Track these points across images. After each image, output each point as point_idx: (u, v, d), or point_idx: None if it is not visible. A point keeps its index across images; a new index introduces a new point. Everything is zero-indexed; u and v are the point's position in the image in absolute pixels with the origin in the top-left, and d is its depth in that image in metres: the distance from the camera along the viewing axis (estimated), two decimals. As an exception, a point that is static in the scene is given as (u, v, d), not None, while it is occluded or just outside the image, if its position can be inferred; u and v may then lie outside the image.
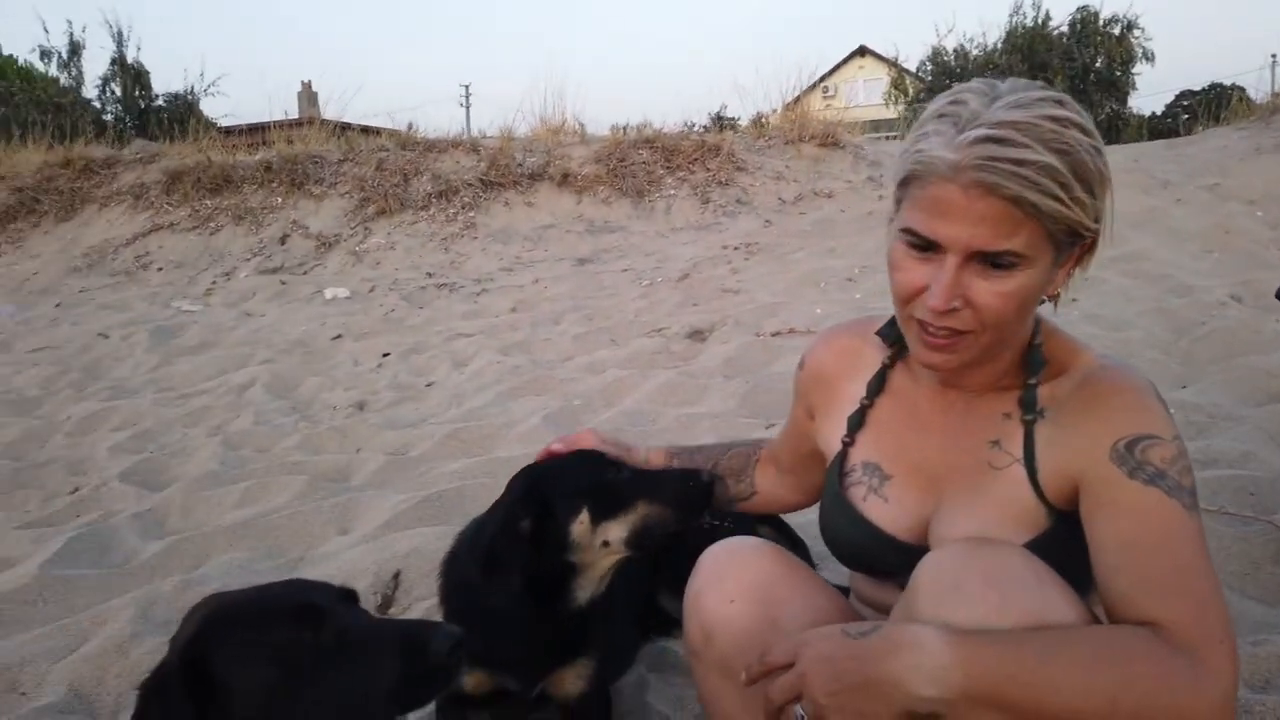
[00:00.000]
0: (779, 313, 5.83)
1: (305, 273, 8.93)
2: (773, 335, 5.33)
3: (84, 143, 12.32)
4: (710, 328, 5.65)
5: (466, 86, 46.70)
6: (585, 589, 1.80)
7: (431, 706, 2.01)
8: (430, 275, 8.51)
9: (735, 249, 8.28)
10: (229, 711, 1.13)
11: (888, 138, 15.51)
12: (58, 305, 8.31)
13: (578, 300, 7.00)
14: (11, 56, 19.06)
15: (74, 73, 16.86)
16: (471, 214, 9.80)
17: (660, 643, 2.30)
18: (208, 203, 10.23)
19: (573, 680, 1.86)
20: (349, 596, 1.27)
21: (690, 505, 1.77)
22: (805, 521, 2.49)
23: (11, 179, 10.98)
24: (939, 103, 1.25)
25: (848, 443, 1.54)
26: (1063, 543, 1.27)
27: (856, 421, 1.54)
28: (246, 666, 1.14)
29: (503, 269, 8.64)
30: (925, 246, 1.23)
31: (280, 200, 10.16)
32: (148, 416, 4.73)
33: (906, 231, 1.25)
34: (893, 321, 1.52)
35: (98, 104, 16.92)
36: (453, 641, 1.15)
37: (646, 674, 2.17)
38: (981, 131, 1.15)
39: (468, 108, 43.47)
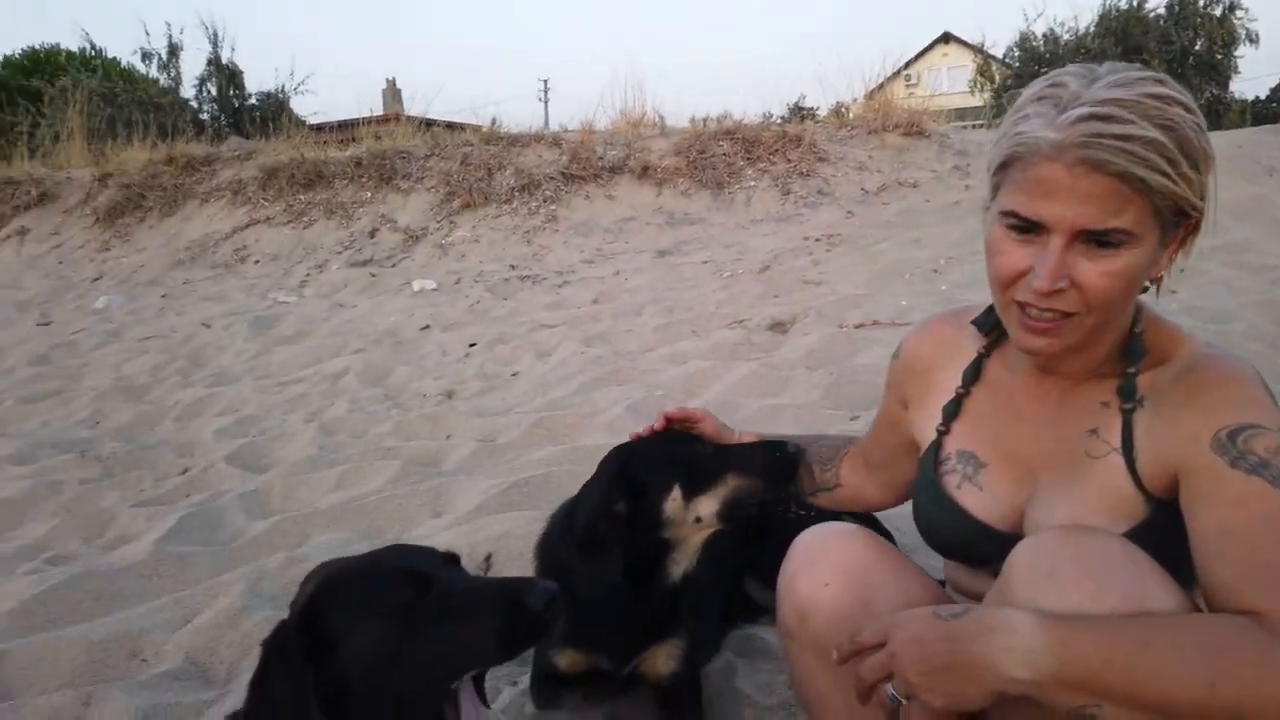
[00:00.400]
0: (862, 304, 5.77)
1: (394, 265, 9.18)
2: (856, 327, 5.28)
3: (185, 141, 12.88)
4: (792, 319, 5.63)
5: (545, 81, 47.14)
6: (679, 564, 1.85)
7: (526, 685, 2.09)
8: (513, 267, 8.66)
9: (817, 240, 8.21)
10: (342, 667, 1.21)
11: (973, 126, 15.15)
12: (163, 296, 8.72)
13: (658, 292, 7.05)
14: (115, 59, 20.02)
15: (173, 73, 17.50)
16: (553, 207, 9.93)
17: (747, 630, 2.33)
18: (301, 198, 10.58)
19: (664, 660, 1.91)
20: (451, 560, 1.34)
21: (778, 475, 1.81)
22: (894, 513, 2.49)
23: (119, 176, 11.53)
24: (1035, 87, 1.26)
25: (943, 431, 1.55)
26: (1162, 532, 1.26)
27: (952, 410, 1.54)
28: (356, 627, 1.22)
29: (584, 261, 8.74)
30: (1027, 228, 1.23)
31: (369, 195, 10.46)
32: (249, 402, 4.95)
33: (1008, 214, 1.25)
34: (988, 311, 1.52)
35: (195, 103, 17.58)
36: (548, 595, 1.20)
37: (735, 659, 2.20)
38: (1085, 110, 1.15)
39: (546, 103, 43.91)
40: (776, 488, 1.81)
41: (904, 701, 1.18)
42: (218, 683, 2.32)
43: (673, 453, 1.83)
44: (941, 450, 1.54)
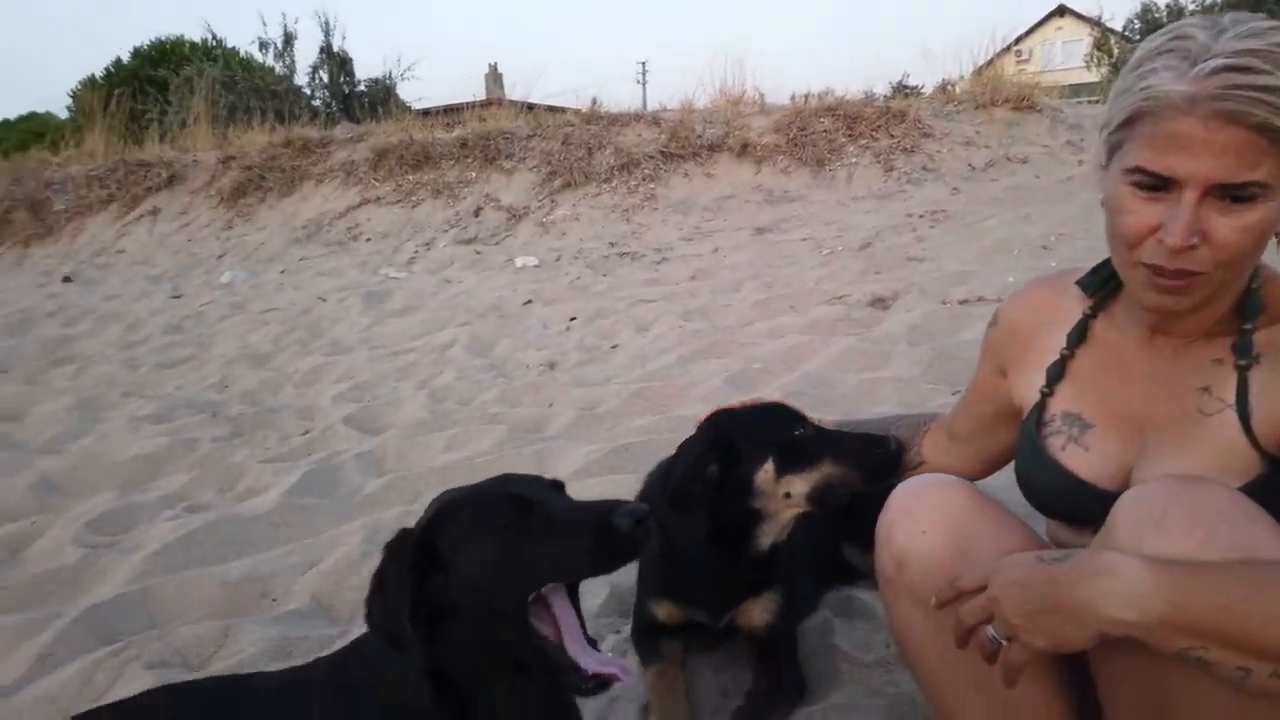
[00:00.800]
0: (967, 281, 5.66)
1: (497, 243, 9.40)
2: (960, 303, 5.19)
3: (301, 125, 13.41)
4: (893, 295, 5.56)
5: (643, 64, 47.14)
6: (767, 536, 1.88)
7: (628, 633, 2.18)
8: (612, 245, 8.76)
9: (920, 217, 8.05)
10: (451, 578, 1.34)
11: (1089, 102, 14.52)
12: (282, 272, 9.15)
13: (757, 268, 7.04)
14: (235, 49, 20.91)
15: (288, 62, 18.13)
16: (652, 185, 9.99)
17: (845, 591, 2.36)
18: (410, 178, 10.91)
19: (760, 612, 1.96)
20: (557, 486, 1.45)
21: (875, 470, 1.81)
22: (994, 479, 2.47)
23: (241, 159, 12.09)
24: (1157, 40, 1.24)
25: (1046, 393, 1.54)
26: (1275, 489, 1.25)
27: (1056, 373, 1.54)
28: (464, 545, 1.34)
29: (682, 239, 8.77)
30: (1156, 185, 1.22)
31: (474, 175, 10.71)
32: (363, 371, 5.18)
33: (1134, 170, 1.24)
34: (1093, 272, 1.51)
35: (308, 90, 18.20)
36: (636, 517, 1.28)
37: (832, 618, 2.24)
38: (1219, 61, 1.14)
39: (644, 85, 43.88)
40: (872, 481, 1.81)
41: (1004, 643, 1.19)
42: (341, 620, 2.49)
43: (773, 426, 1.85)
44: (1045, 412, 1.54)
